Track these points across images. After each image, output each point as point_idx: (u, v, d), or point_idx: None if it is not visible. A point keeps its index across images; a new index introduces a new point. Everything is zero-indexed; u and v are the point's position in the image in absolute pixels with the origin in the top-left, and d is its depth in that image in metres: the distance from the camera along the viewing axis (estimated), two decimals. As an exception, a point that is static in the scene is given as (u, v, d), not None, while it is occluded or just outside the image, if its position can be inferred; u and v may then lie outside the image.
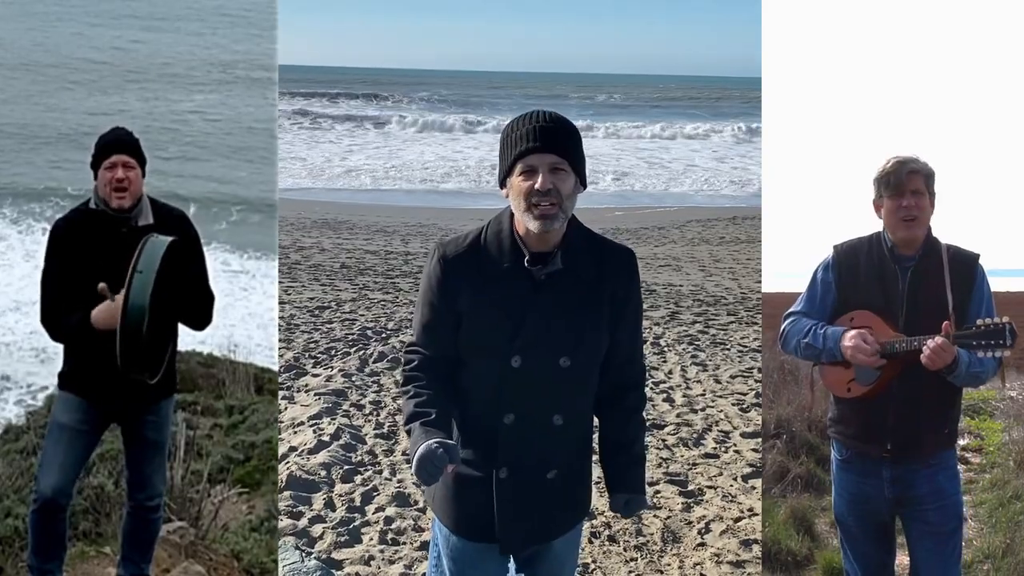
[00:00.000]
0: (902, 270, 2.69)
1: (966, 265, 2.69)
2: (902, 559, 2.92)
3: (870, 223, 2.80)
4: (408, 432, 2.12)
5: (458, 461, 2.08)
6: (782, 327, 2.83)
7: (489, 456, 2.20)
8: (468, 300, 2.14)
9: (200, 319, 3.07)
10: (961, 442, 2.70)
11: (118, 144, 2.97)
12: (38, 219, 15.72)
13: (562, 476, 2.25)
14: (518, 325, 2.12)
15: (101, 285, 2.83)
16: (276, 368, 7.26)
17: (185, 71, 26.95)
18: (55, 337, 2.97)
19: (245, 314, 11.53)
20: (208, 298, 3.08)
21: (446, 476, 2.12)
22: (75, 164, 16.65)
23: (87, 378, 2.99)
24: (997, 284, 2.80)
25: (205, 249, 3.16)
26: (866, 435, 2.72)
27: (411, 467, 2.05)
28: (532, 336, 2.13)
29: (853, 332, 2.63)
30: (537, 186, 2.05)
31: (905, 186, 2.65)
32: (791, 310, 2.84)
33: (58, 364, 3.10)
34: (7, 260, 13.57)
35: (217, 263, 13.01)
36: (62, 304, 2.91)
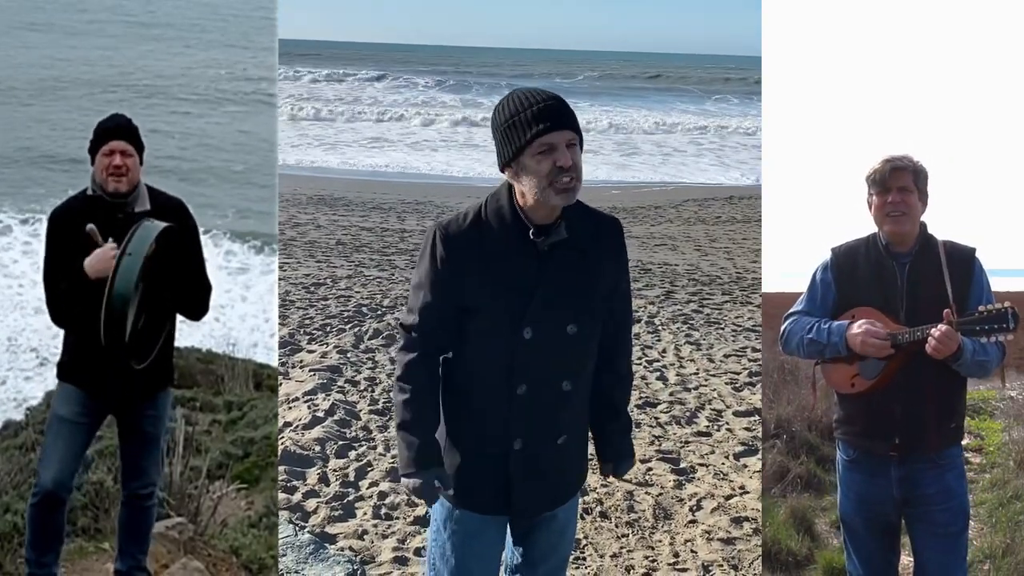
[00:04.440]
0: (899, 266, 2.70)
1: (963, 259, 2.70)
2: (904, 559, 2.93)
3: (872, 220, 2.80)
4: (399, 431, 2.28)
5: (448, 486, 2.28)
6: (783, 327, 2.83)
7: (502, 429, 2.24)
8: (475, 277, 2.18)
9: (196, 309, 3.07)
10: (961, 442, 2.74)
11: (117, 130, 2.96)
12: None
13: (570, 440, 2.33)
14: (527, 297, 2.18)
15: (90, 226, 2.82)
16: (275, 364, 7.27)
17: (182, 85, 26.26)
18: (59, 319, 2.97)
19: (244, 312, 11.52)
20: (205, 288, 3.07)
21: (456, 453, 2.30)
22: (67, 180, 16.22)
23: (84, 368, 2.99)
24: (997, 284, 2.81)
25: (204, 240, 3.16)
26: (873, 431, 2.71)
27: (404, 485, 2.28)
28: (541, 307, 2.19)
29: (861, 322, 2.64)
30: (561, 163, 2.11)
31: (891, 183, 2.67)
32: (791, 310, 2.84)
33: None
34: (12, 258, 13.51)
35: (219, 259, 12.98)
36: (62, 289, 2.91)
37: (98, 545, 3.78)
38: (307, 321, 8.09)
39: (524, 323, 2.18)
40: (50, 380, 8.36)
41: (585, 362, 2.32)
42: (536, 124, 2.11)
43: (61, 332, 3.06)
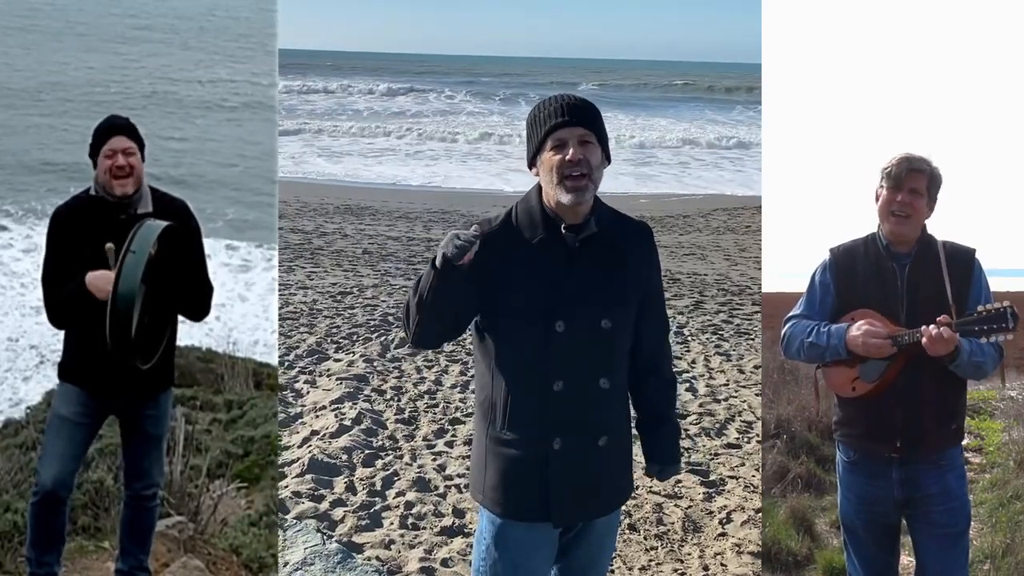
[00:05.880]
0: (899, 267, 2.68)
1: (963, 259, 2.68)
2: (903, 560, 2.91)
3: (874, 222, 2.76)
4: (419, 285, 2.19)
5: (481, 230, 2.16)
6: (783, 331, 2.81)
7: (541, 429, 2.23)
8: (505, 275, 2.20)
9: (197, 309, 3.05)
10: (962, 442, 2.78)
11: (116, 129, 2.94)
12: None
13: (612, 443, 2.30)
14: (557, 290, 2.20)
15: (109, 245, 2.82)
16: (275, 363, 7.28)
17: (182, 93, 26.05)
18: (56, 319, 2.95)
19: (245, 311, 11.58)
20: (206, 288, 3.05)
21: (496, 459, 2.25)
22: (67, 183, 16.27)
23: (86, 368, 2.97)
24: (997, 284, 2.79)
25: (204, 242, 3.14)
26: (874, 434, 2.70)
27: (441, 244, 2.13)
28: (573, 299, 2.21)
29: (860, 323, 2.62)
30: (568, 157, 2.16)
31: (904, 183, 2.63)
32: (791, 314, 2.82)
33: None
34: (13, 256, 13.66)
35: (219, 257, 13.07)
36: (61, 290, 2.90)
37: (98, 544, 3.79)
38: (334, 330, 8.11)
39: (556, 317, 2.19)
40: (48, 380, 8.43)
41: (621, 359, 2.32)
42: (550, 120, 2.19)
43: (62, 332, 3.04)
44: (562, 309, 2.19)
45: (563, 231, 2.21)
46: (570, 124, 2.17)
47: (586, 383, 2.23)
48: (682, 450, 5.36)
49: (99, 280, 2.80)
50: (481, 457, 2.32)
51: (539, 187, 2.26)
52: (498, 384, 2.25)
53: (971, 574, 4.02)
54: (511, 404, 2.23)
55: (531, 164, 2.26)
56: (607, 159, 2.25)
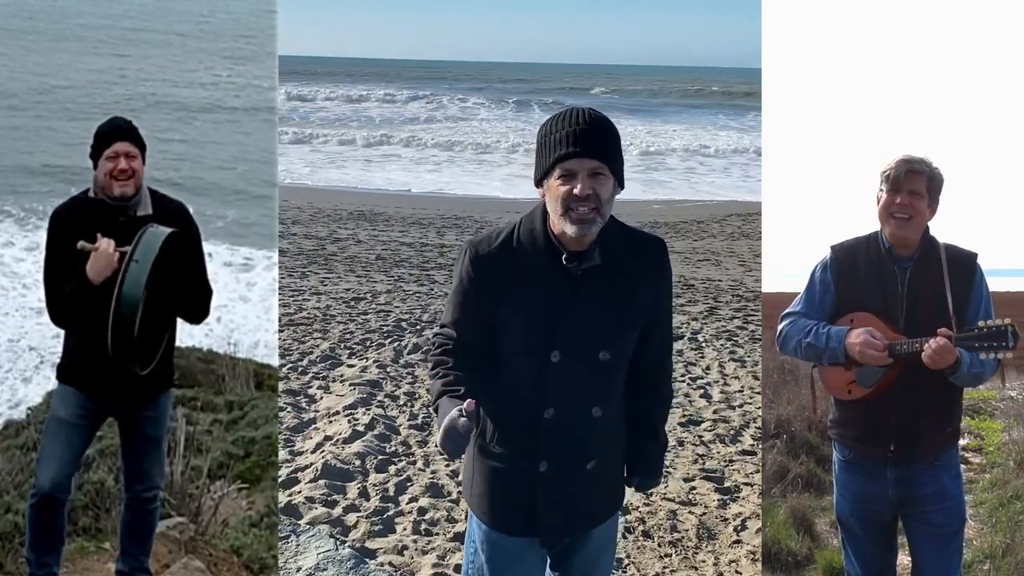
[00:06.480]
0: (900, 271, 2.66)
1: (965, 264, 2.66)
2: (902, 559, 2.90)
3: (873, 222, 2.74)
4: (436, 409, 2.08)
5: (477, 420, 1.97)
6: (780, 327, 2.80)
7: (529, 451, 2.19)
8: (503, 300, 2.13)
9: (197, 313, 3.05)
10: (961, 442, 2.76)
11: (119, 132, 2.94)
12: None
13: (600, 465, 2.25)
14: (556, 322, 2.12)
15: (80, 243, 2.81)
16: (276, 364, 7.29)
17: (183, 95, 25.95)
18: (59, 319, 2.96)
19: (246, 312, 11.59)
20: (205, 292, 3.06)
21: (483, 469, 2.20)
22: (66, 186, 16.31)
23: (84, 370, 2.98)
24: (997, 284, 2.78)
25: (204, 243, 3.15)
26: (869, 437, 2.70)
27: (438, 439, 1.98)
28: (571, 331, 2.12)
29: (860, 330, 2.59)
30: (576, 192, 2.03)
31: (903, 184, 2.62)
32: (789, 310, 2.80)
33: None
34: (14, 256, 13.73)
35: (221, 258, 13.10)
36: (63, 290, 2.91)
37: (99, 545, 3.80)
38: (347, 336, 8.12)
39: (552, 347, 2.12)
40: (48, 381, 8.46)
41: (617, 386, 2.25)
42: (559, 148, 2.03)
43: (62, 333, 3.05)
44: (559, 340, 2.11)
45: (564, 262, 2.10)
46: (580, 155, 2.02)
47: (578, 412, 2.17)
48: (696, 456, 5.39)
49: (96, 264, 2.80)
50: (470, 461, 2.29)
51: (544, 207, 2.14)
52: (488, 401, 2.18)
53: (971, 574, 4.06)
54: (500, 423, 2.20)
55: (538, 184, 2.13)
56: (620, 185, 2.11)
